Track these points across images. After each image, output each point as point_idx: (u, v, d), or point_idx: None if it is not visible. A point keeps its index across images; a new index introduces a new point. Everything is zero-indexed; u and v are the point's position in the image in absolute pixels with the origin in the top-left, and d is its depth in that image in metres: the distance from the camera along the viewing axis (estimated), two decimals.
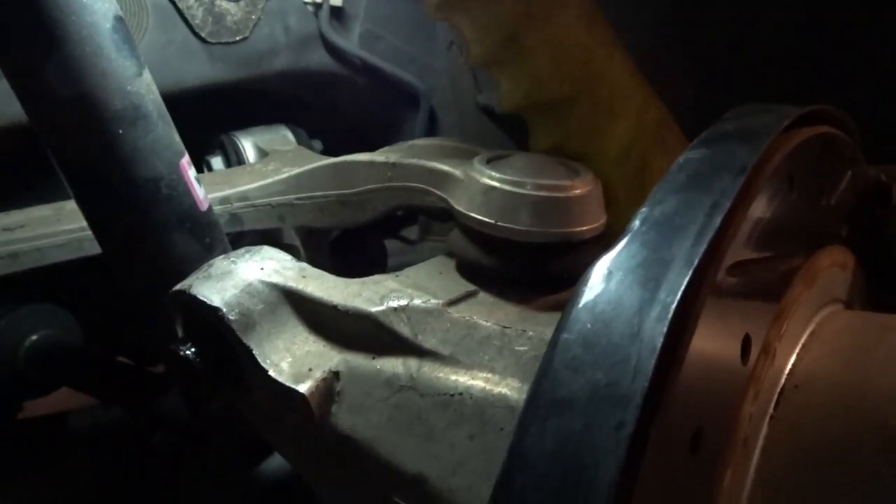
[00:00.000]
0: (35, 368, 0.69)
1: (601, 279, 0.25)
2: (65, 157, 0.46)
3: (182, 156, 0.50)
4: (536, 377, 0.24)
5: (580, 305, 0.25)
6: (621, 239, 0.27)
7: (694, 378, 0.25)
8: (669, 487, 0.24)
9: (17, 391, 0.73)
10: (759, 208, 0.29)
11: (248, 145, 0.82)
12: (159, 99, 0.49)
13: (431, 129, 0.88)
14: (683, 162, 0.29)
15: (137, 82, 0.46)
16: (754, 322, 0.30)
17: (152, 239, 0.49)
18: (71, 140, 0.45)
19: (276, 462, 0.62)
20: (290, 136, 0.84)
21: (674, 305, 0.23)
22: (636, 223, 0.27)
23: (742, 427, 0.29)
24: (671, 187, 0.28)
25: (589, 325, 0.24)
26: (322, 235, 0.63)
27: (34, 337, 0.69)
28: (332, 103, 0.88)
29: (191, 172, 0.50)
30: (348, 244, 0.66)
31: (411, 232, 0.95)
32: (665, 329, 0.23)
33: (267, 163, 0.74)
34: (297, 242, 0.63)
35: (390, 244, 0.88)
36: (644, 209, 0.28)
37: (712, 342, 0.27)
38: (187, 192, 0.49)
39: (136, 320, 0.69)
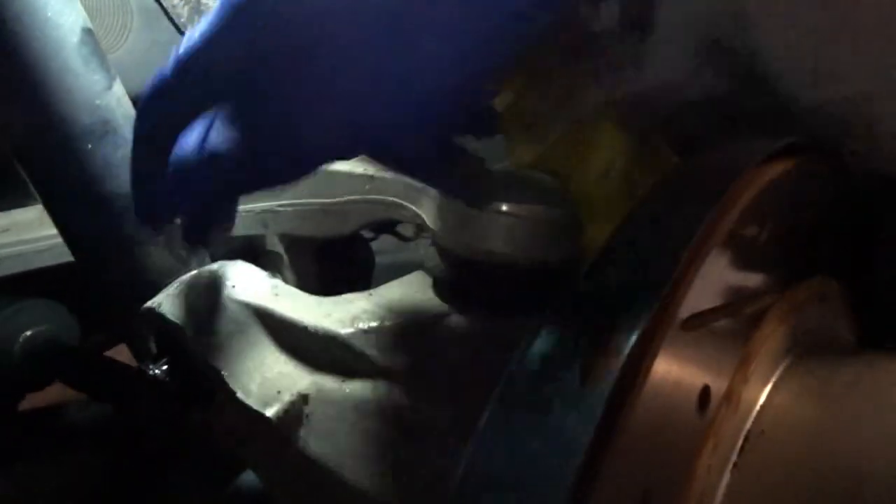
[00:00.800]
0: (29, 364, 0.69)
1: (534, 352, 0.24)
2: (34, 172, 0.46)
3: None
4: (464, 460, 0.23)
5: (510, 384, 0.24)
6: (558, 309, 0.26)
7: (640, 439, 0.25)
8: None
9: (12, 386, 0.74)
10: (719, 260, 0.28)
11: None
12: (131, 111, 0.48)
13: None
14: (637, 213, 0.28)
15: (107, 96, 0.45)
16: (715, 370, 0.29)
17: (125, 252, 0.48)
18: (40, 156, 0.45)
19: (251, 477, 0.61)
20: None
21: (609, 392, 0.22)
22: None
23: (698, 482, 0.28)
24: (621, 243, 0.27)
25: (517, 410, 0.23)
26: (306, 242, 0.62)
27: (28, 333, 0.70)
28: None
29: None
30: (334, 250, 0.65)
31: (407, 228, 0.94)
32: (605, 397, 0.22)
33: None
34: (281, 249, 0.62)
35: (386, 240, 0.87)
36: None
37: (663, 399, 0.26)
38: None
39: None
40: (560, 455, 0.22)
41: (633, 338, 0.23)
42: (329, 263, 0.64)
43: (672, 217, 0.28)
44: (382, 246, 0.88)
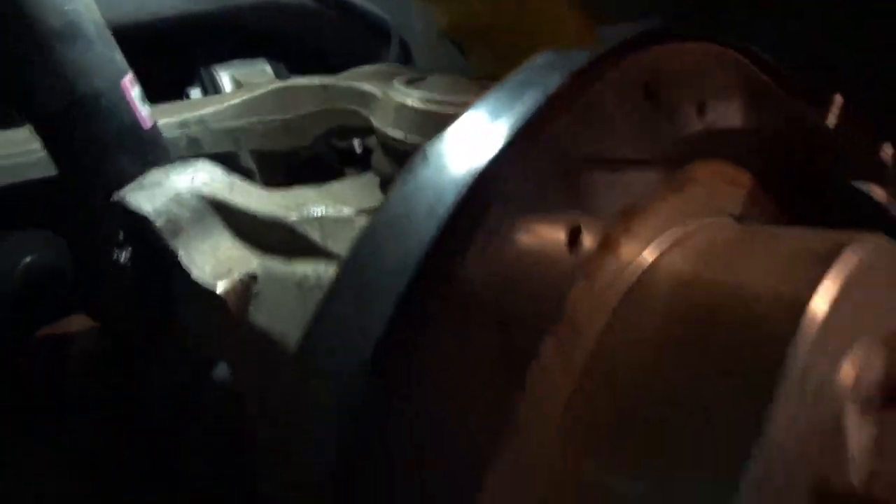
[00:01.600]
0: (29, 293, 0.72)
1: (419, 161, 0.27)
2: (5, 78, 0.49)
3: (125, 74, 0.52)
4: (347, 255, 0.26)
5: (393, 191, 0.27)
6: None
7: (503, 261, 0.27)
8: (465, 366, 0.26)
9: (17, 317, 0.77)
10: (600, 107, 0.31)
11: (225, 78, 0.84)
12: (101, 20, 0.51)
13: (406, 63, 0.89)
14: (525, 65, 0.31)
15: (75, 1, 0.48)
16: (593, 214, 0.31)
17: (93, 155, 0.51)
18: (5, 56, 0.48)
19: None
20: (268, 69, 0.86)
21: (469, 182, 0.25)
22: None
23: (568, 318, 0.30)
24: (505, 84, 0.30)
25: (398, 209, 0.26)
26: (277, 160, 0.65)
27: (27, 259, 0.73)
28: (307, 37, 0.89)
29: (134, 91, 0.53)
30: (304, 166, 0.68)
31: None
32: (453, 207, 0.25)
33: (236, 94, 0.76)
34: (254, 166, 0.66)
35: None
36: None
37: (531, 229, 0.28)
38: (129, 110, 0.52)
39: None
40: (412, 257, 0.24)
41: (490, 154, 0.26)
42: (299, 181, 0.67)
43: (547, 73, 0.30)
44: None
